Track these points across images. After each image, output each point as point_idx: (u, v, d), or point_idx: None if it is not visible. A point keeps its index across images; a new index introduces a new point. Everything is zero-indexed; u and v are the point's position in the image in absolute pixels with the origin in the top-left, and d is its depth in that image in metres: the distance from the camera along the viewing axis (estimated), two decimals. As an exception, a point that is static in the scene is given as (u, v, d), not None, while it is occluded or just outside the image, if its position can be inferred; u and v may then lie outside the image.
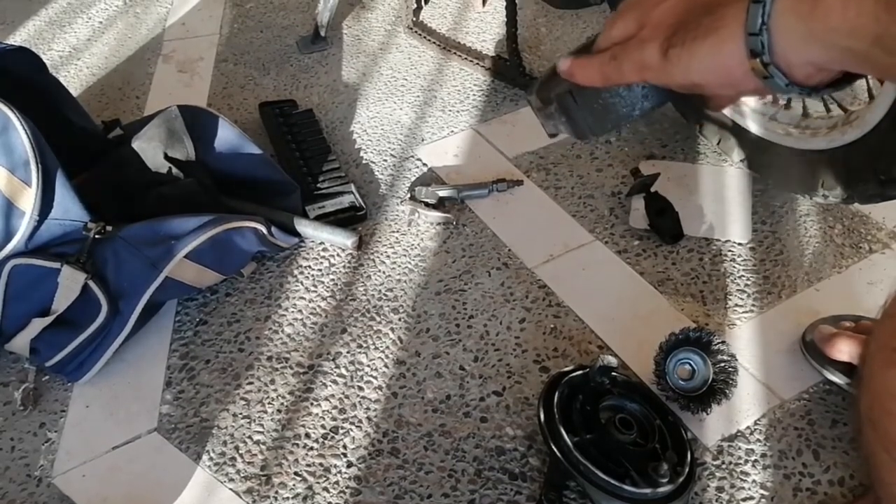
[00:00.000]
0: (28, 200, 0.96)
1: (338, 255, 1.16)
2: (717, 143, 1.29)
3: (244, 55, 1.65)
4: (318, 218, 1.19)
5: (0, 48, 1.09)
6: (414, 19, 1.66)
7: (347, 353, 1.02)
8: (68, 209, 0.99)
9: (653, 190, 1.19)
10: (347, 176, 1.29)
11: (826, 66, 0.40)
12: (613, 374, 0.87)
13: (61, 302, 0.98)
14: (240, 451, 0.91)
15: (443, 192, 1.23)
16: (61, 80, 1.23)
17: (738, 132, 1.23)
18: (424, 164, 1.33)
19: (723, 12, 0.41)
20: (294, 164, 1.28)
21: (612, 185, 1.26)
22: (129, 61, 1.65)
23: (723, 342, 0.93)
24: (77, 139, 1.16)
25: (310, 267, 1.15)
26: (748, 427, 0.92)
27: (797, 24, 0.37)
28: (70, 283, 0.97)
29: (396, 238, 1.19)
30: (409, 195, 1.26)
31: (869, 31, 0.35)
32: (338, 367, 1.00)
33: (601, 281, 1.10)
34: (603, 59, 0.47)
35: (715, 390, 0.91)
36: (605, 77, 0.48)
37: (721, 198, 1.23)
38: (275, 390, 0.98)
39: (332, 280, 1.13)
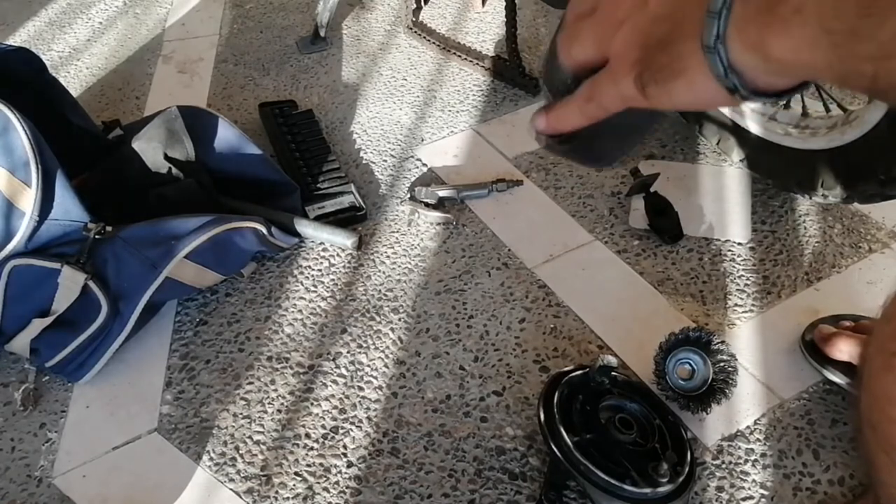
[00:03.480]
0: (28, 201, 0.96)
1: (338, 255, 1.17)
2: (717, 143, 1.29)
3: (244, 56, 1.65)
4: (318, 218, 1.19)
5: (0, 49, 1.09)
6: (414, 19, 1.66)
7: (347, 353, 1.02)
8: (68, 210, 0.99)
9: (652, 190, 1.19)
10: (347, 176, 1.29)
11: (805, 80, 0.38)
12: (613, 373, 0.87)
13: (61, 302, 0.98)
14: (240, 452, 0.91)
15: (443, 193, 1.23)
16: (61, 80, 1.23)
17: (738, 132, 1.23)
18: (424, 165, 1.33)
19: (678, 52, 0.39)
20: (294, 164, 1.28)
21: (611, 185, 1.26)
22: (129, 62, 1.65)
23: (723, 342, 0.93)
24: (77, 139, 1.16)
25: (310, 267, 1.15)
26: (748, 427, 0.92)
27: (759, 63, 0.36)
28: (70, 283, 0.97)
29: (396, 238, 1.19)
30: (409, 195, 1.26)
31: (826, 72, 0.34)
32: (338, 367, 1.00)
33: (601, 281, 1.10)
34: (579, 103, 0.46)
35: (715, 390, 0.91)
36: (588, 117, 0.47)
37: (721, 198, 1.23)
38: (275, 390, 0.98)
39: (332, 280, 1.13)
